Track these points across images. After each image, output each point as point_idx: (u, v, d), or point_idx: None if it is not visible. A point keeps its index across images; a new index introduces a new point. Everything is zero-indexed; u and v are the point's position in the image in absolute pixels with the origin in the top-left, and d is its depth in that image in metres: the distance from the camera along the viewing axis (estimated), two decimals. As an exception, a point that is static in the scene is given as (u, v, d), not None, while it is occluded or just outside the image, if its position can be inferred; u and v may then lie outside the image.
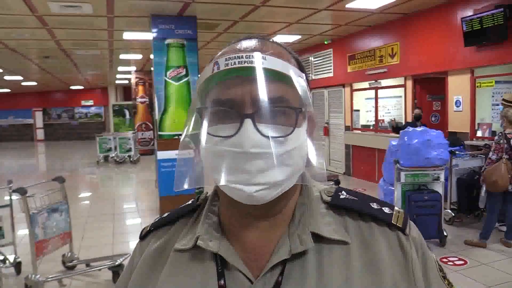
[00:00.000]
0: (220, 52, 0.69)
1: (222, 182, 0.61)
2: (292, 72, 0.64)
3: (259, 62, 0.61)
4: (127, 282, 0.76)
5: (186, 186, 0.68)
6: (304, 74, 0.68)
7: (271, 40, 0.71)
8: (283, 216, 0.69)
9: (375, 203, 0.72)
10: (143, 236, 0.80)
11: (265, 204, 0.63)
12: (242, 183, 0.60)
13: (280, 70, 0.62)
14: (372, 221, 0.69)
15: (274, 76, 0.62)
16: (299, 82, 0.64)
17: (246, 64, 0.61)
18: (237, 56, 0.62)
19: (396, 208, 0.72)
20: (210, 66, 0.64)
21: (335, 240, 0.66)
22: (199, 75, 0.60)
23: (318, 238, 0.66)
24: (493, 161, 4.62)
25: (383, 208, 0.71)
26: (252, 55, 0.61)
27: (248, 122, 0.60)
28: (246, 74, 0.61)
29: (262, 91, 0.60)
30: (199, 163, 0.67)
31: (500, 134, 4.67)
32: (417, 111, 6.86)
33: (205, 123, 0.64)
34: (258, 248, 0.67)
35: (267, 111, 0.60)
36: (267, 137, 0.60)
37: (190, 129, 0.68)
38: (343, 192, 0.74)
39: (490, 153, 4.73)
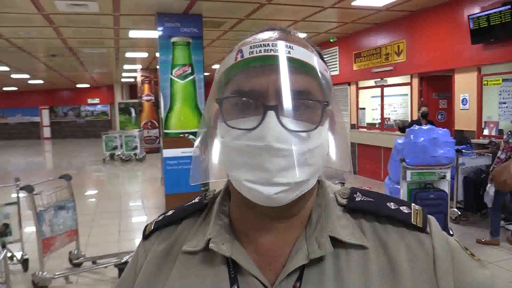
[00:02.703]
0: (242, 42, 0.65)
1: (239, 180, 0.58)
2: (318, 63, 0.61)
3: (286, 51, 0.58)
4: (131, 282, 0.72)
5: (201, 180, 0.65)
6: (327, 66, 0.64)
7: (292, 32, 0.67)
8: (299, 218, 0.65)
9: (392, 203, 0.68)
10: (147, 235, 0.76)
11: (283, 205, 0.59)
12: (260, 183, 0.56)
13: (307, 61, 0.59)
14: (389, 223, 0.66)
15: (300, 67, 0.58)
16: (324, 75, 0.62)
17: (272, 53, 0.58)
18: (263, 44, 0.58)
19: (413, 205, 0.68)
20: (233, 55, 0.61)
21: (352, 244, 0.63)
22: (219, 66, 0.58)
23: (335, 241, 0.62)
24: (502, 160, 4.59)
25: (400, 208, 0.67)
26: (278, 43, 0.58)
27: (271, 115, 0.56)
28: (271, 63, 0.58)
29: (288, 83, 0.56)
30: (214, 156, 0.63)
31: (509, 133, 4.64)
32: (424, 109, 6.82)
33: (224, 114, 0.60)
34: (273, 252, 0.64)
35: (292, 104, 0.56)
36: (291, 131, 0.56)
37: (208, 120, 0.66)
38: (358, 193, 0.70)
39: (499, 152, 4.70)
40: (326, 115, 0.62)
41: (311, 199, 0.67)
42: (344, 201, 0.68)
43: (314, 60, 0.60)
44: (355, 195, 0.69)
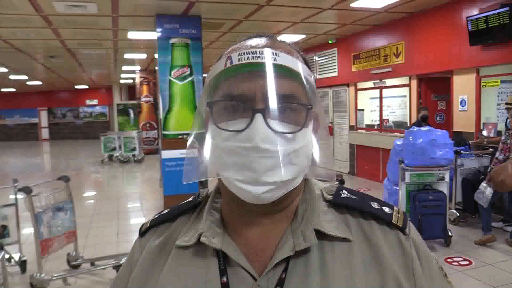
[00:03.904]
0: (231, 48, 0.69)
1: (229, 180, 0.62)
2: (302, 69, 0.65)
3: (272, 57, 0.62)
4: (127, 278, 0.75)
5: (195, 179, 0.69)
6: (311, 72, 0.69)
7: (278, 38, 0.72)
8: (286, 212, 0.69)
9: (375, 203, 0.73)
10: (143, 233, 0.80)
11: (270, 203, 0.63)
12: (249, 182, 0.60)
13: (292, 67, 0.63)
14: (373, 219, 0.70)
15: (285, 72, 0.63)
16: (309, 80, 0.65)
17: (259, 60, 0.62)
18: (251, 52, 0.62)
19: (395, 208, 0.73)
20: (222, 61, 0.65)
21: (337, 237, 0.66)
22: (209, 72, 0.63)
23: (320, 235, 0.66)
24: (500, 161, 4.60)
25: (383, 208, 0.72)
26: (265, 51, 0.62)
27: (258, 117, 0.60)
28: (259, 69, 0.62)
29: (274, 87, 0.60)
30: (206, 156, 0.67)
31: (507, 134, 4.65)
32: (424, 112, 6.82)
33: (214, 117, 0.65)
34: (261, 245, 0.67)
35: (278, 107, 0.60)
36: (277, 132, 0.61)
37: (200, 123, 0.69)
38: (344, 191, 0.74)
39: (497, 153, 4.71)
40: (311, 117, 0.67)
41: (298, 195, 0.71)
42: (330, 197, 0.73)
43: (298, 66, 0.64)
44: (341, 192, 0.74)
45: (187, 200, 0.80)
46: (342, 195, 0.73)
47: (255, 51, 0.62)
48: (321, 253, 0.65)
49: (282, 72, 0.62)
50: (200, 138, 0.69)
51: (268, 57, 0.62)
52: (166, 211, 0.81)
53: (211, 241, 0.67)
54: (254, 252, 0.67)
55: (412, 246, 0.68)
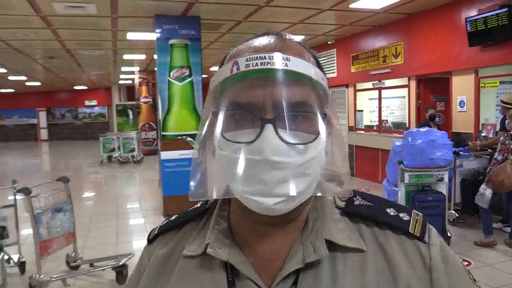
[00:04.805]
0: (236, 49, 0.65)
1: (238, 192, 0.58)
2: (314, 73, 0.61)
3: (282, 63, 0.57)
4: (136, 283, 0.75)
5: (202, 197, 0.64)
6: (324, 74, 0.64)
7: (288, 37, 0.67)
8: (296, 222, 0.65)
9: (391, 209, 0.68)
10: (151, 240, 0.78)
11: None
12: (259, 194, 0.57)
13: (304, 72, 0.59)
14: (388, 229, 0.66)
15: (296, 78, 0.58)
16: (321, 84, 0.62)
17: (268, 66, 0.57)
18: (259, 57, 0.57)
19: (414, 213, 0.68)
20: (228, 66, 0.60)
21: (349, 248, 0.63)
22: (213, 75, 0.60)
23: (332, 245, 0.62)
24: (499, 162, 4.61)
25: (400, 215, 0.67)
26: (274, 56, 0.58)
27: (269, 128, 0.56)
28: (268, 76, 0.57)
29: (285, 95, 0.56)
30: (212, 170, 0.64)
31: (506, 134, 4.65)
32: (431, 111, 6.82)
33: (220, 127, 0.60)
34: (270, 255, 0.64)
35: (289, 117, 0.56)
36: (289, 144, 0.57)
37: (204, 132, 0.65)
38: (357, 196, 0.70)
39: (496, 154, 4.72)
40: (324, 124, 0.62)
41: (309, 204, 0.67)
42: (342, 204, 0.68)
43: (311, 70, 0.60)
44: (354, 199, 0.69)
45: (195, 206, 0.77)
46: (356, 202, 0.68)
47: (264, 56, 0.57)
48: (333, 265, 0.62)
49: (293, 78, 0.58)
50: (206, 147, 0.65)
51: (278, 63, 0.57)
52: (174, 217, 0.78)
53: (217, 252, 0.64)
54: (263, 263, 0.64)
55: (432, 255, 0.64)
